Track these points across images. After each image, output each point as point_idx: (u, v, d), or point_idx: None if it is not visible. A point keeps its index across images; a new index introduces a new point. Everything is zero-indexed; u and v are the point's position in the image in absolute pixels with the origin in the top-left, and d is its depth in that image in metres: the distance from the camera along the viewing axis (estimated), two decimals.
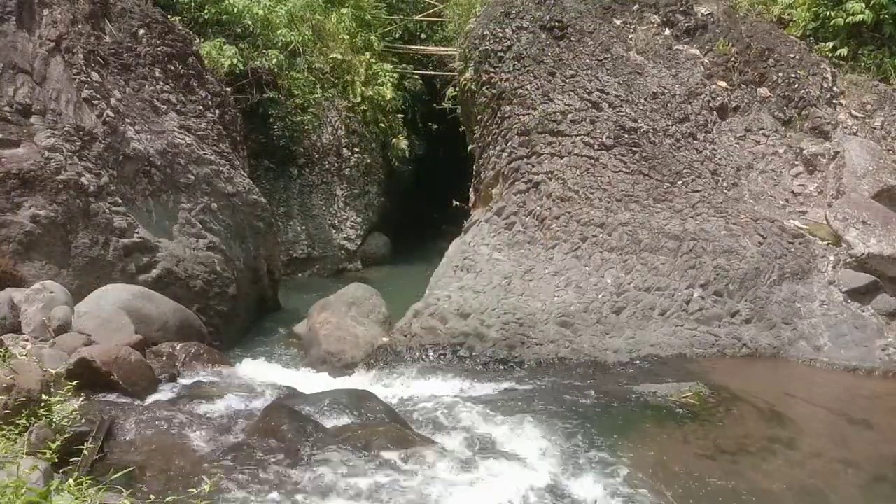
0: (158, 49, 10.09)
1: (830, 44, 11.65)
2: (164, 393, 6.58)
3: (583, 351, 8.50)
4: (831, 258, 9.46)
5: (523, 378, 7.90)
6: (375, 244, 16.91)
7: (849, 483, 5.81)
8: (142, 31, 10.02)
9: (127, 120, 9.01)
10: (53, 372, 5.45)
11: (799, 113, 10.83)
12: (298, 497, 4.70)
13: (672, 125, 10.55)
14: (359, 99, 16.48)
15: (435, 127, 19.39)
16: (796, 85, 10.92)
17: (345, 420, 5.96)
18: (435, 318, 8.89)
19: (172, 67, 10.27)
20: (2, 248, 7.53)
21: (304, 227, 15.54)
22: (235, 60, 14.05)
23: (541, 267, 9.57)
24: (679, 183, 10.16)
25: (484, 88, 11.42)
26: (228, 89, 12.72)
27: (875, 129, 10.71)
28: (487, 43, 11.34)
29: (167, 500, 3.46)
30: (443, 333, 8.67)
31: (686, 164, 10.30)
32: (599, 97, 10.69)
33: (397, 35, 19.86)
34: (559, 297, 9.11)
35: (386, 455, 5.27)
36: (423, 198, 19.10)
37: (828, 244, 9.62)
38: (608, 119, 10.50)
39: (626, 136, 10.40)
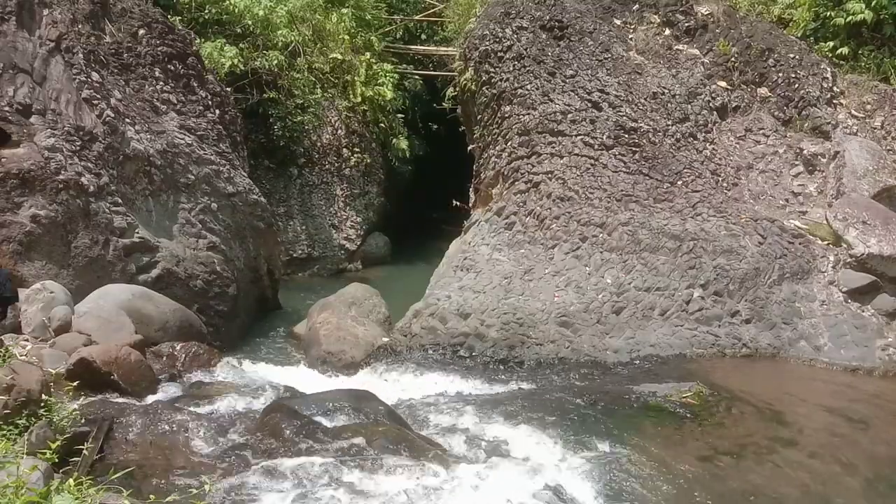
0: (158, 49, 10.09)
1: (830, 44, 11.66)
2: (165, 393, 6.58)
3: (583, 351, 8.49)
4: (831, 258, 9.46)
5: (523, 378, 7.89)
6: (375, 244, 16.92)
7: (849, 483, 5.81)
8: (142, 31, 10.02)
9: (127, 120, 9.01)
10: (53, 372, 5.46)
11: (799, 113, 10.82)
12: (298, 497, 4.70)
13: (672, 125, 10.55)
14: (359, 99, 16.49)
15: (435, 127, 19.39)
16: (796, 85, 10.92)
17: (345, 420, 5.95)
18: (435, 318, 8.89)
19: (172, 67, 10.27)
20: (2, 248, 7.53)
21: (304, 227, 15.55)
22: (236, 61, 14.05)
23: (541, 267, 9.57)
24: (679, 183, 10.16)
25: (484, 88, 11.42)
26: (228, 89, 12.73)
27: (875, 129, 10.71)
28: (487, 43, 11.34)
29: (167, 499, 3.45)
30: (443, 333, 8.66)
31: (686, 164, 10.30)
32: (599, 97, 10.69)
33: (397, 35, 19.87)
34: (559, 297, 9.11)
35: (385, 455, 5.26)
36: (423, 198, 19.10)
37: (828, 244, 9.62)
38: (608, 119, 10.50)
39: (626, 136, 10.39)
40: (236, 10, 14.66)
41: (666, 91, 10.84)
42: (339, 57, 16.39)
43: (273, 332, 10.58)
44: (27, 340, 6.81)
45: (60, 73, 8.46)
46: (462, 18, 15.89)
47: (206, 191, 10.01)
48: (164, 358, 7.45)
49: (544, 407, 6.78)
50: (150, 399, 6.34)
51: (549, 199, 10.11)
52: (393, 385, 7.73)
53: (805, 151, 10.51)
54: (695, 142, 10.53)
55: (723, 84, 11.03)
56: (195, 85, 10.67)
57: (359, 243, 16.36)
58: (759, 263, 9.32)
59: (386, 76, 17.14)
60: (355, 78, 16.55)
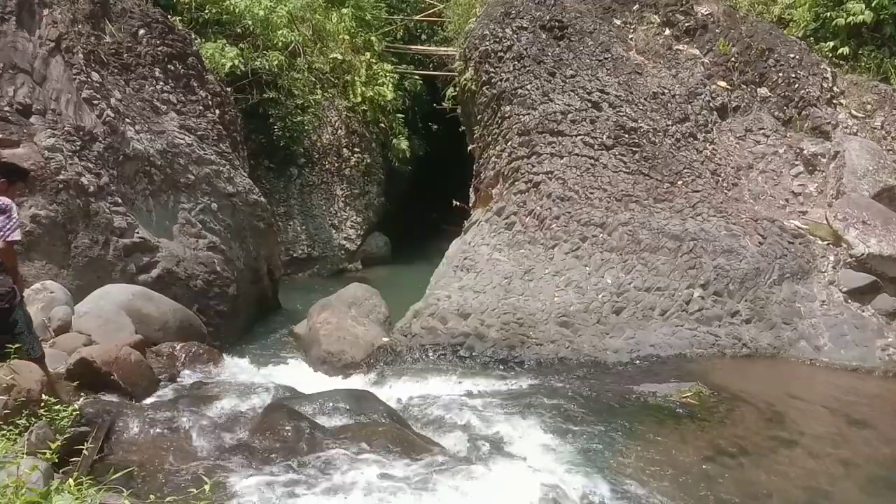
0: (158, 49, 10.09)
1: (830, 44, 11.67)
2: (165, 393, 6.58)
3: (583, 351, 8.49)
4: (831, 258, 9.47)
5: (523, 378, 7.89)
6: (375, 244, 16.93)
7: (849, 483, 5.81)
8: (142, 31, 10.02)
9: (127, 120, 9.01)
10: (54, 372, 5.45)
11: (799, 113, 10.83)
12: (298, 497, 4.70)
13: (672, 125, 10.56)
14: (359, 99, 16.51)
15: (435, 127, 19.40)
16: (796, 85, 10.92)
17: (345, 420, 5.95)
18: (435, 318, 8.89)
19: (172, 67, 10.27)
20: None
21: (304, 227, 15.55)
22: (237, 61, 14.05)
23: (541, 267, 9.57)
24: (679, 183, 10.16)
25: (484, 88, 11.42)
26: (228, 89, 12.72)
27: (875, 129, 10.72)
28: (487, 43, 11.34)
29: (167, 500, 3.45)
30: (443, 333, 8.66)
31: (686, 164, 10.31)
32: (599, 97, 10.69)
33: (397, 35, 19.89)
34: (559, 297, 9.11)
35: (386, 455, 5.26)
36: (423, 198, 19.11)
37: (828, 244, 9.62)
38: (608, 119, 10.50)
39: (626, 136, 10.40)
40: (236, 11, 14.67)
41: (666, 91, 10.84)
42: (339, 57, 16.41)
43: (273, 332, 10.57)
44: None
45: (60, 73, 8.46)
46: (462, 18, 15.90)
47: (206, 191, 10.01)
48: (164, 358, 7.45)
49: (544, 407, 6.78)
50: (151, 399, 6.34)
51: (549, 199, 10.11)
52: (393, 385, 7.72)
53: (805, 151, 10.52)
54: (695, 142, 10.53)
55: (723, 84, 11.04)
56: (195, 85, 10.66)
57: (359, 243, 16.37)
58: (759, 263, 9.32)
59: (386, 76, 17.15)
60: (355, 78, 16.56)
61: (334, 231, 15.99)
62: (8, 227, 5.06)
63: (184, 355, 7.60)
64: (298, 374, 8.18)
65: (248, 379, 7.43)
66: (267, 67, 14.84)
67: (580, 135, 10.44)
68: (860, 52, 11.56)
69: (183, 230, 9.48)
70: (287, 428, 5.51)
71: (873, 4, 11.08)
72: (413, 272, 14.03)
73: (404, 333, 8.85)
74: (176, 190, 9.53)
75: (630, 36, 11.45)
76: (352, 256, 16.23)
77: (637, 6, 11.72)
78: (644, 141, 10.39)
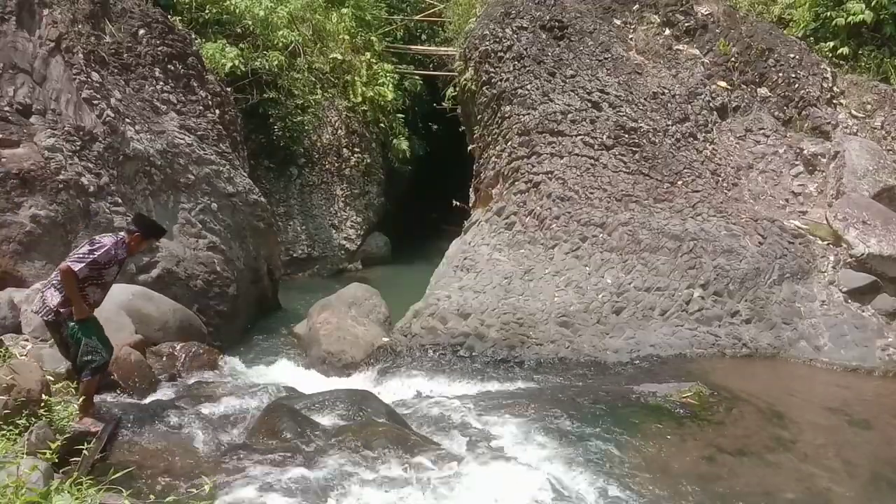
0: (158, 49, 10.09)
1: (830, 44, 11.67)
2: (164, 393, 6.59)
3: (583, 351, 8.49)
4: (831, 258, 9.47)
5: (523, 378, 7.89)
6: (375, 244, 16.92)
7: (849, 483, 5.81)
8: (142, 31, 10.02)
9: (127, 120, 9.01)
10: (54, 372, 5.46)
11: (799, 113, 10.83)
12: (298, 497, 4.70)
13: (672, 125, 10.56)
14: (359, 99, 16.50)
15: (435, 127, 19.38)
16: (796, 85, 10.92)
17: (345, 420, 5.96)
18: (435, 318, 8.89)
19: (172, 67, 10.26)
20: (2, 248, 7.53)
21: (304, 227, 15.54)
22: (237, 62, 14.04)
23: (541, 267, 9.57)
24: (679, 183, 10.16)
25: (484, 88, 11.42)
26: (228, 89, 12.72)
27: (875, 129, 10.72)
28: (487, 43, 11.34)
29: (167, 500, 3.45)
30: (443, 333, 8.66)
31: (686, 164, 10.31)
32: (599, 97, 10.69)
33: (398, 35, 19.89)
34: (559, 297, 9.11)
35: (385, 455, 5.26)
36: (423, 198, 19.11)
37: (828, 244, 9.62)
38: (608, 119, 10.50)
39: (626, 136, 10.40)
40: (236, 11, 14.66)
41: (666, 91, 10.84)
42: (339, 57, 16.40)
43: (273, 332, 10.57)
44: (27, 340, 6.80)
45: (60, 73, 8.46)
46: (462, 18, 15.90)
47: (206, 191, 10.00)
48: (164, 358, 7.45)
49: (544, 407, 6.78)
50: (150, 399, 6.35)
51: (549, 199, 10.11)
52: (393, 385, 7.72)
53: (805, 151, 10.52)
54: (695, 142, 10.53)
55: (723, 84, 11.04)
56: (195, 85, 10.66)
57: (359, 243, 16.36)
58: (759, 263, 9.32)
59: (386, 76, 17.14)
60: (355, 78, 16.55)
61: (334, 231, 15.98)
62: (81, 257, 5.12)
63: (184, 355, 7.60)
64: (298, 374, 8.19)
65: (247, 379, 7.44)
66: (267, 67, 14.83)
67: (580, 135, 10.44)
68: (860, 52, 11.56)
69: (183, 230, 9.48)
70: (287, 428, 5.52)
71: (873, 4, 11.08)
72: (413, 272, 14.02)
73: (404, 333, 8.85)
74: (176, 190, 9.53)
75: (630, 36, 11.46)
76: (352, 256, 16.22)
77: (637, 6, 11.73)
78: (644, 141, 10.39)
